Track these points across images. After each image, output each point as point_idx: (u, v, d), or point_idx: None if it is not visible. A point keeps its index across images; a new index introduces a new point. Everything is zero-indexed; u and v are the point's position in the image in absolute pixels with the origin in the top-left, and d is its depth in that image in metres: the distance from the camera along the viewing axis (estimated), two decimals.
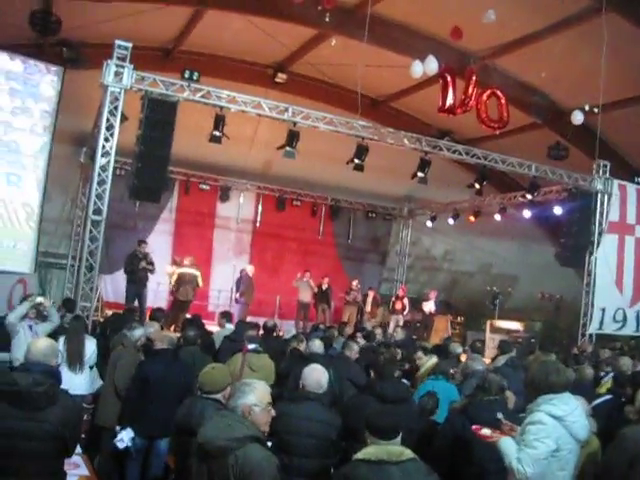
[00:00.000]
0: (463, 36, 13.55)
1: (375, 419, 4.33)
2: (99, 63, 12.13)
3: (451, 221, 21.12)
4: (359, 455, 4.15)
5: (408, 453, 4.12)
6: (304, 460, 5.25)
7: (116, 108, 11.99)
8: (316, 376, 5.62)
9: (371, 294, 20.85)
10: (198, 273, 16.76)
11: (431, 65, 12.88)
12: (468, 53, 15.71)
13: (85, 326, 9.38)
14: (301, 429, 5.30)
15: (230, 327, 11.34)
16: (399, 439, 4.26)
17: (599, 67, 12.89)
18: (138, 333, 8.17)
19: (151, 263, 15.80)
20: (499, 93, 14.57)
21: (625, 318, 16.66)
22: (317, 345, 8.50)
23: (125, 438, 6.77)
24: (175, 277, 16.58)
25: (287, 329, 17.84)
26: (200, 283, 16.91)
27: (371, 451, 4.13)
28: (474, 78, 14.20)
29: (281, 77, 18.27)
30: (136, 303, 15.32)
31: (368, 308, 20.48)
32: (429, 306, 20.05)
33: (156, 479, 6.87)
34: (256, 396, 4.23)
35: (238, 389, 4.27)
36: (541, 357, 10.54)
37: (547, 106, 17.35)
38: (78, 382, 8.00)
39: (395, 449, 4.14)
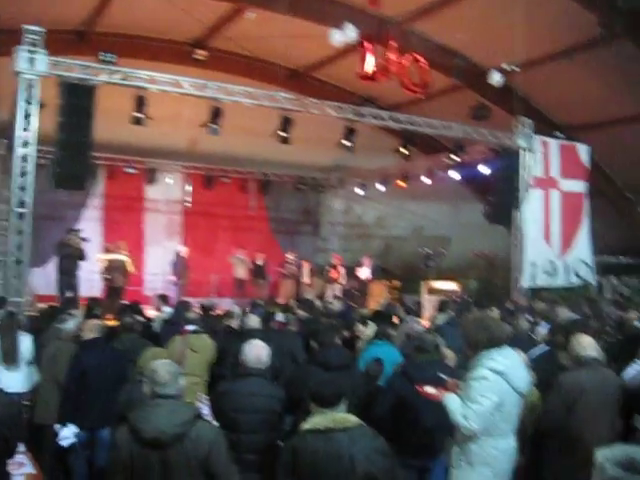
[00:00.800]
0: (381, 2, 13.54)
1: (318, 388, 4.35)
2: (11, 50, 11.74)
3: (381, 187, 21.24)
4: (306, 425, 4.16)
5: (354, 419, 4.16)
6: (252, 436, 5.25)
7: (32, 96, 11.64)
8: (256, 352, 5.61)
9: (306, 265, 20.86)
10: (125, 258, 16.44)
11: (350, 33, 12.87)
12: (386, 19, 15.72)
13: (18, 322, 9.13)
14: (246, 405, 5.29)
15: (168, 310, 11.23)
16: (344, 406, 4.29)
17: (516, 27, 13.04)
18: (71, 325, 8.00)
19: (79, 250, 15.45)
20: (419, 57, 14.67)
21: (556, 270, 17.13)
22: (254, 320, 8.48)
23: (69, 435, 6.66)
24: (105, 264, 16.28)
25: (226, 307, 17.74)
26: (130, 268, 16.58)
27: (317, 420, 4.15)
28: (393, 43, 14.24)
29: (200, 54, 17.96)
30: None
31: (306, 280, 20.52)
32: (364, 273, 20.17)
33: (103, 471, 6.77)
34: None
35: (161, 376, 4.20)
36: (478, 314, 10.76)
37: (468, 68, 17.53)
38: (15, 380, 7.82)
39: (341, 416, 4.17)
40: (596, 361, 5.67)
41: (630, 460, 2.04)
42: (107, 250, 16.79)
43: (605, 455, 2.09)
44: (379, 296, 19.24)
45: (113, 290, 16.03)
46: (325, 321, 9.54)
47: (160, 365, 4.33)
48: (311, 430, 4.11)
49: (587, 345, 5.67)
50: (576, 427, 5.36)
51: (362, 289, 20.27)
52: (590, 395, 5.39)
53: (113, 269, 16.11)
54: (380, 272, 22.81)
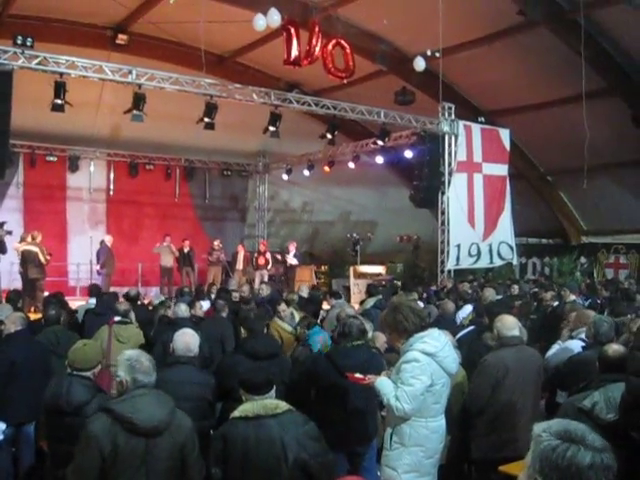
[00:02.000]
0: None
1: (248, 376, 4.38)
2: None
3: (306, 172, 21.28)
4: (236, 413, 4.18)
5: (283, 405, 4.19)
6: None
7: None
8: (185, 339, 5.60)
9: (241, 250, 20.77)
10: (36, 249, 15.68)
11: (274, 17, 12.79)
12: (310, 4, 15.70)
13: None
14: (177, 393, 5.21)
15: (92, 301, 11.01)
16: (273, 393, 4.31)
17: (438, 13, 13.20)
18: None
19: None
20: (343, 43, 14.69)
21: (479, 252, 17.48)
22: (183, 309, 8.42)
23: (2, 427, 6.48)
24: (19, 255, 15.76)
25: (153, 296, 17.55)
26: (42, 259, 15.82)
27: (247, 407, 4.17)
28: (317, 29, 14.23)
29: (122, 38, 17.56)
30: None
31: (240, 266, 20.41)
32: (290, 258, 20.20)
33: (31, 467, 6.62)
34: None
35: (144, 365, 4.16)
36: (403, 297, 10.93)
37: (391, 53, 17.67)
38: None
39: (270, 403, 4.19)
40: (519, 340, 5.83)
41: (567, 431, 2.14)
42: (22, 240, 16.20)
43: (542, 427, 2.20)
44: (307, 281, 19.34)
45: (29, 281, 15.51)
46: (251, 308, 9.52)
47: (140, 354, 4.31)
48: (241, 417, 4.13)
49: (510, 325, 5.82)
50: (501, 405, 5.52)
51: (289, 274, 20.30)
52: (514, 373, 5.55)
53: (27, 260, 15.57)
54: (308, 257, 22.96)
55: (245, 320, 6.79)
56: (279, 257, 20.89)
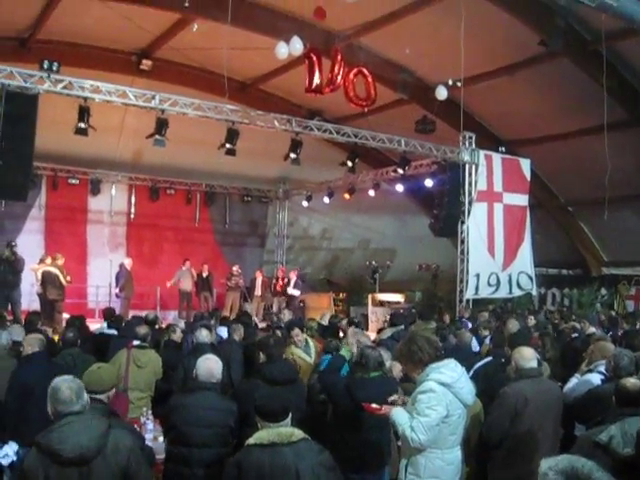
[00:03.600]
0: (327, 16, 13.63)
1: (264, 403, 4.35)
2: None
3: (326, 200, 21.29)
4: (251, 440, 4.15)
5: (299, 433, 4.16)
6: (204, 450, 5.22)
7: None
8: (209, 365, 5.58)
9: (259, 276, 20.77)
10: (57, 271, 15.80)
11: (296, 46, 12.88)
12: (333, 32, 15.83)
13: None
14: (199, 419, 5.26)
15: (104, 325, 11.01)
16: (289, 420, 4.28)
17: (460, 43, 13.25)
18: (3, 338, 7.77)
19: (13, 262, 15.08)
20: (365, 71, 14.77)
21: (498, 282, 17.35)
22: (204, 335, 8.39)
23: (10, 452, 6.47)
24: (40, 276, 15.83)
25: (171, 320, 17.57)
26: (63, 281, 15.90)
27: (263, 435, 4.14)
28: (340, 57, 14.32)
29: (146, 64, 17.76)
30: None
31: (258, 292, 20.40)
32: (290, 289, 20.03)
33: None
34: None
35: (64, 394, 4.10)
36: (421, 326, 10.85)
37: (413, 82, 17.71)
38: None
39: (286, 430, 4.16)
40: (537, 372, 5.77)
41: (573, 469, 2.10)
42: (41, 261, 16.29)
43: (549, 464, 2.16)
44: (325, 308, 19.29)
45: (48, 302, 15.58)
46: (270, 334, 9.48)
47: (61, 382, 4.20)
48: (256, 445, 4.10)
49: (528, 356, 5.77)
50: (519, 437, 5.46)
51: (291, 305, 20.07)
52: (533, 405, 5.49)
53: (47, 281, 15.65)
54: (326, 284, 22.98)
55: (264, 346, 6.75)
56: (278, 287, 20.51)
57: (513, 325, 10.70)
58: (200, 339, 8.30)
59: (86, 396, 4.24)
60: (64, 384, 4.18)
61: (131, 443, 4.12)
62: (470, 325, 12.64)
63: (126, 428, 4.68)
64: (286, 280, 20.12)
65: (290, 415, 4.32)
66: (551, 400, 5.67)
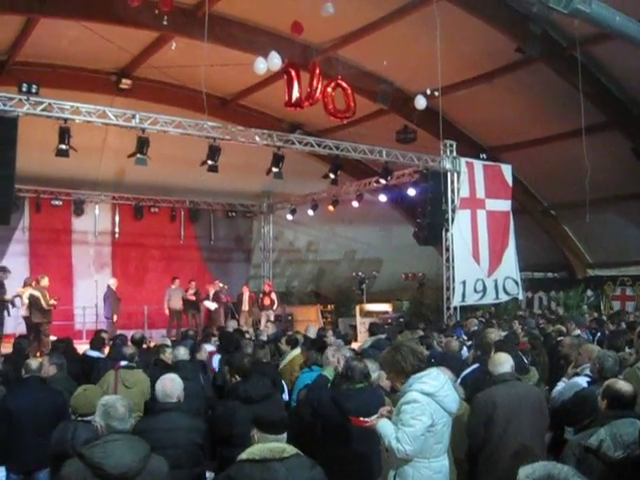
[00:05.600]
0: (304, 30, 13.69)
1: (265, 414, 4.37)
2: None
3: (311, 212, 21.35)
4: (243, 455, 4.14)
5: (291, 449, 4.15)
6: (175, 472, 5.08)
7: None
8: (163, 385, 5.44)
9: (246, 291, 20.72)
10: (38, 294, 15.30)
11: (274, 61, 12.92)
12: (311, 46, 15.91)
13: None
14: (165, 441, 5.12)
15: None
16: (285, 435, 4.29)
17: (437, 52, 13.34)
18: None
19: None
20: (344, 84, 14.83)
21: (485, 288, 17.43)
22: (182, 352, 8.37)
23: None
24: (25, 299, 15.61)
25: (159, 339, 17.50)
26: (44, 304, 15.33)
27: (254, 450, 4.13)
28: (318, 70, 14.38)
29: (126, 83, 17.74)
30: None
31: (246, 307, 20.35)
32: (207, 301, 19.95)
33: None
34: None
35: (119, 412, 4.19)
36: (408, 335, 10.88)
37: (392, 92, 17.81)
38: None
39: (277, 446, 4.14)
40: (510, 376, 5.80)
41: (550, 476, 2.13)
42: (25, 285, 16.12)
43: (526, 472, 2.18)
44: (313, 321, 19.29)
45: (33, 325, 15.40)
46: (247, 354, 9.41)
47: (116, 400, 4.33)
48: (248, 460, 4.09)
49: (501, 362, 5.84)
50: (495, 442, 5.49)
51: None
52: (505, 409, 5.51)
53: (31, 305, 15.48)
54: (313, 296, 22.98)
55: (239, 369, 6.68)
56: (265, 302, 20.28)
57: (492, 333, 10.72)
58: (178, 357, 8.29)
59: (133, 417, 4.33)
60: (119, 402, 4.32)
61: (166, 471, 4.22)
62: (463, 333, 12.70)
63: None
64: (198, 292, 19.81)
65: (285, 434, 4.31)
66: (525, 404, 5.64)
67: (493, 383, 5.77)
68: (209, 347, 10.29)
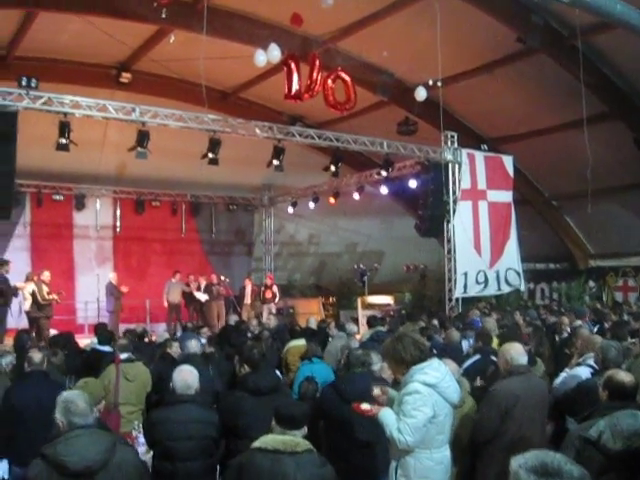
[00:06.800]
0: (303, 22, 13.65)
1: (287, 410, 4.35)
2: None
3: (312, 205, 21.34)
4: (256, 443, 4.14)
5: (304, 444, 4.13)
6: (188, 464, 5.17)
7: None
8: (184, 377, 5.48)
9: (248, 284, 20.69)
10: (35, 288, 15.45)
11: (274, 53, 12.87)
12: (310, 38, 15.87)
13: None
14: (180, 433, 5.19)
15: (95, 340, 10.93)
16: (301, 432, 4.27)
17: (437, 43, 13.29)
18: (8, 359, 7.74)
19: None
20: (344, 75, 14.76)
21: (486, 279, 17.39)
22: (193, 345, 8.36)
23: (0, 471, 6.44)
24: (27, 294, 15.60)
25: (160, 333, 17.50)
26: (39, 298, 15.43)
27: (268, 440, 4.14)
28: (318, 62, 14.32)
29: (126, 77, 17.74)
30: None
31: (248, 300, 20.32)
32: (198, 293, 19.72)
33: None
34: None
35: (80, 407, 4.14)
36: (410, 327, 10.89)
37: (392, 84, 17.76)
38: None
39: (291, 440, 4.14)
40: (526, 368, 5.78)
41: (543, 465, 2.12)
42: (27, 279, 16.13)
43: (519, 462, 2.18)
44: (315, 313, 19.28)
45: (33, 320, 15.43)
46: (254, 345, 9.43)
47: (76, 395, 4.26)
48: (260, 449, 4.09)
49: (517, 353, 5.78)
50: (510, 435, 5.45)
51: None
52: (523, 403, 5.49)
53: (30, 299, 15.50)
54: (315, 289, 22.96)
55: (249, 359, 6.69)
56: (267, 295, 20.20)
57: (489, 322, 10.74)
58: (191, 349, 8.27)
59: (95, 410, 4.31)
60: (78, 397, 4.24)
61: (136, 459, 4.18)
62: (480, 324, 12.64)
63: (122, 442, 4.68)
64: (196, 285, 19.76)
65: (305, 429, 4.31)
66: (539, 396, 5.67)
67: (509, 374, 5.72)
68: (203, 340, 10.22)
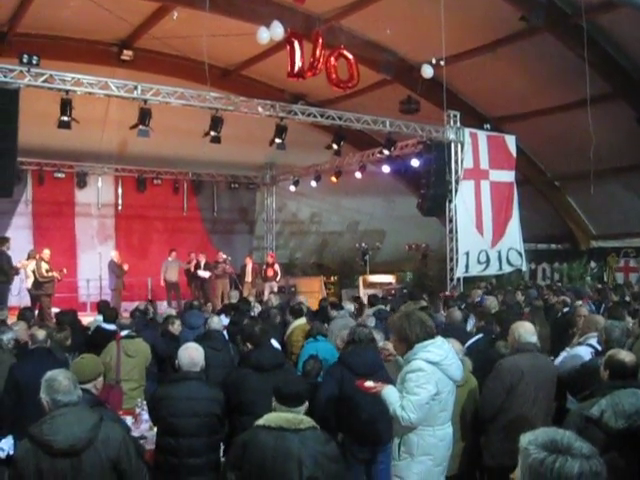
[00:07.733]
0: None
1: (286, 387, 4.35)
2: None
3: (314, 183, 21.30)
4: (260, 421, 4.14)
5: (308, 421, 4.14)
6: (192, 440, 5.21)
7: None
8: (190, 354, 5.52)
9: (249, 263, 20.72)
10: (34, 266, 15.47)
11: (277, 30, 12.81)
12: (313, 16, 15.75)
13: None
14: (185, 409, 5.24)
15: (99, 318, 10.96)
16: (302, 408, 4.29)
17: (440, 21, 13.20)
18: (10, 335, 7.77)
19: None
20: (347, 53, 14.70)
21: (488, 259, 17.40)
22: (215, 322, 8.38)
23: (5, 447, 6.48)
24: (29, 272, 15.61)
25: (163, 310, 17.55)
26: (38, 275, 15.42)
27: (272, 417, 4.14)
28: (321, 40, 14.25)
29: (127, 54, 17.67)
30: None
31: (249, 278, 20.34)
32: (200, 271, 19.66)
33: None
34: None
35: (62, 384, 4.12)
36: (411, 305, 10.90)
37: (395, 62, 17.68)
38: None
39: (295, 417, 4.14)
40: (534, 347, 5.81)
41: (553, 442, 2.14)
42: (28, 257, 16.11)
43: (528, 439, 2.19)
44: (317, 292, 19.32)
45: (35, 298, 15.47)
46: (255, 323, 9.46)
47: (58, 373, 4.23)
48: (264, 426, 4.10)
49: (527, 331, 5.82)
50: (514, 411, 5.50)
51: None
52: (529, 379, 5.54)
53: (32, 277, 15.52)
54: (316, 268, 22.97)
55: (250, 336, 6.71)
56: (268, 273, 20.20)
57: (492, 302, 10.76)
58: (212, 326, 8.28)
59: (79, 388, 4.26)
60: (61, 374, 4.21)
61: (122, 435, 4.15)
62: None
63: (114, 419, 4.70)
64: (195, 262, 19.73)
65: (305, 403, 4.33)
66: (546, 376, 5.69)
67: (516, 351, 5.77)
68: (225, 320, 10.22)
